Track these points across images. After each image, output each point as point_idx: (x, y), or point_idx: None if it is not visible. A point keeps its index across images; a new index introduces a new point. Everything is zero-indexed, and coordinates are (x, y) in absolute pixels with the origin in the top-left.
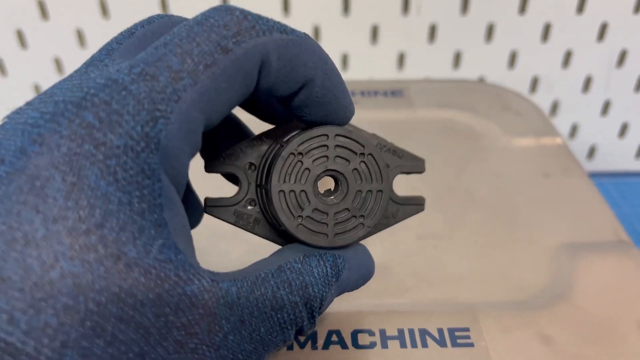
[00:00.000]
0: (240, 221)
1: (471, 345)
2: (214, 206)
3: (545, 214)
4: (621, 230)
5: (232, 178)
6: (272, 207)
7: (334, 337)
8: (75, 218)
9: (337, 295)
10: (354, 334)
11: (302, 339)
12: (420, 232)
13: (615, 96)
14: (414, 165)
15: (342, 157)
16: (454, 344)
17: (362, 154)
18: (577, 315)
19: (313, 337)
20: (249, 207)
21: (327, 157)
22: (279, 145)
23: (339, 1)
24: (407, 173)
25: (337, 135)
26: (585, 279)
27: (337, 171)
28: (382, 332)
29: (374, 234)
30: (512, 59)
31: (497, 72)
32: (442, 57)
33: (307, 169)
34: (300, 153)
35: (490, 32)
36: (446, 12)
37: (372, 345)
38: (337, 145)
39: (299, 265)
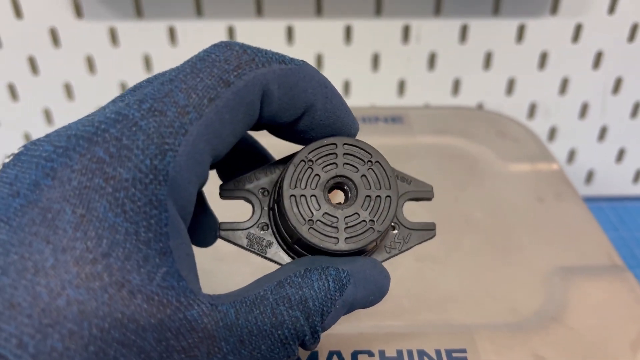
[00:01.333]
0: (253, 245)
1: None
2: (228, 230)
3: (539, 237)
4: (614, 254)
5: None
6: (283, 213)
7: (335, 358)
8: (83, 248)
9: (346, 312)
10: (354, 355)
11: (306, 353)
12: (418, 255)
13: (611, 122)
14: (423, 192)
15: (351, 165)
16: None
17: (370, 161)
18: (570, 336)
19: (314, 358)
20: (261, 231)
21: (336, 164)
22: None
23: (341, 31)
24: (417, 200)
25: (345, 144)
26: (578, 301)
27: (346, 177)
28: (382, 353)
29: (388, 259)
30: (510, 86)
31: (496, 99)
32: (441, 85)
33: (317, 175)
34: (310, 160)
35: (488, 60)
36: (445, 41)
37: None
38: (345, 153)
39: (299, 279)
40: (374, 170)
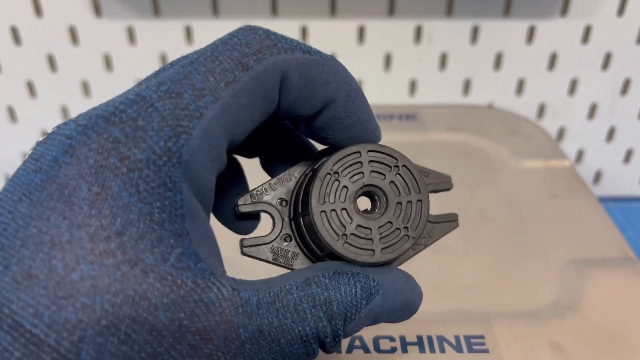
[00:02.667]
0: (279, 258)
1: (486, 351)
2: (251, 246)
3: (553, 231)
4: (627, 248)
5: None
6: (314, 230)
7: (357, 342)
8: (97, 225)
9: (371, 323)
10: (376, 340)
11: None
12: (436, 247)
13: (619, 123)
14: (442, 182)
15: (378, 172)
16: (470, 350)
17: (397, 166)
18: (585, 325)
19: None
20: (285, 243)
21: (362, 173)
22: (310, 172)
23: (355, 31)
24: (436, 191)
25: (369, 151)
26: (592, 292)
27: (375, 186)
28: (402, 338)
29: (414, 255)
30: (520, 87)
31: (505, 99)
32: (452, 84)
33: (345, 186)
34: (336, 172)
35: (498, 60)
36: (456, 41)
37: (393, 350)
38: (370, 161)
39: (327, 281)
40: (401, 175)
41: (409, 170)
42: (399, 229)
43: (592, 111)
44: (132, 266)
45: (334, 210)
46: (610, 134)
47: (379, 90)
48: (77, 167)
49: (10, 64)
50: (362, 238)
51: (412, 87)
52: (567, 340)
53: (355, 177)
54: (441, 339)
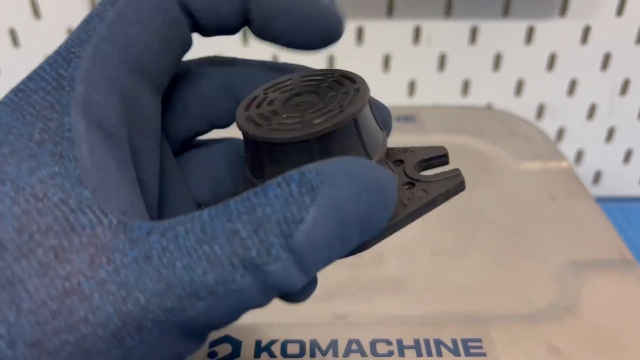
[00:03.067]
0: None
1: (484, 355)
2: None
3: (551, 233)
4: (625, 250)
5: None
6: (245, 140)
7: (354, 346)
8: None
9: (346, 230)
10: (373, 343)
11: (326, 341)
12: (434, 249)
13: (619, 123)
14: (434, 149)
15: (311, 82)
16: (467, 354)
17: (332, 75)
18: (583, 327)
19: (334, 346)
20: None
21: (293, 87)
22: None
23: (353, 32)
24: (428, 160)
25: (302, 76)
26: (590, 294)
27: (308, 92)
28: (399, 342)
29: (409, 214)
30: (519, 87)
31: (504, 99)
32: (451, 85)
33: (274, 99)
34: (265, 92)
35: (497, 61)
36: (455, 42)
37: (390, 354)
38: (304, 81)
39: (250, 195)
40: (337, 81)
41: (345, 76)
42: (332, 109)
43: (592, 111)
44: None
45: (262, 114)
46: (610, 135)
47: (378, 92)
48: None
49: (9, 65)
50: (291, 122)
51: (411, 88)
52: (564, 343)
53: (286, 89)
54: (438, 343)
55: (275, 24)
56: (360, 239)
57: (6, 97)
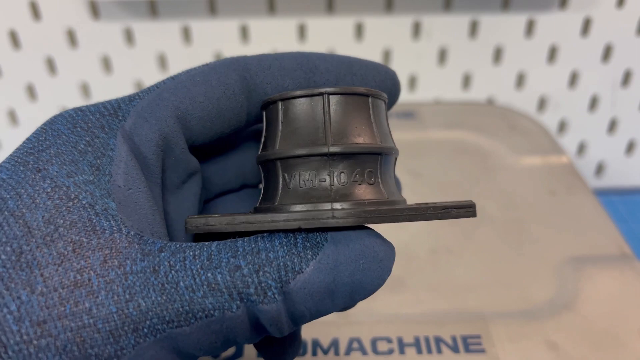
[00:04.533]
0: None
1: (482, 351)
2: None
3: (551, 229)
4: (624, 244)
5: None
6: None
7: (355, 344)
8: (28, 147)
9: (336, 289)
10: (374, 341)
11: (328, 339)
12: (434, 247)
13: (621, 115)
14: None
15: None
16: (467, 350)
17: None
18: (581, 323)
19: (336, 344)
20: None
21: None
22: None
23: (352, 27)
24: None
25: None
26: (589, 289)
27: None
28: (400, 340)
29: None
30: (520, 81)
31: (506, 93)
32: (451, 80)
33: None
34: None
35: (498, 55)
36: (455, 36)
37: (390, 351)
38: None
39: (258, 238)
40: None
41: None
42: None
43: (593, 103)
44: (35, 172)
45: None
46: (612, 126)
47: None
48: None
49: (10, 67)
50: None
51: (412, 83)
52: (563, 339)
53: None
54: (438, 340)
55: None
56: (349, 301)
57: (66, 111)
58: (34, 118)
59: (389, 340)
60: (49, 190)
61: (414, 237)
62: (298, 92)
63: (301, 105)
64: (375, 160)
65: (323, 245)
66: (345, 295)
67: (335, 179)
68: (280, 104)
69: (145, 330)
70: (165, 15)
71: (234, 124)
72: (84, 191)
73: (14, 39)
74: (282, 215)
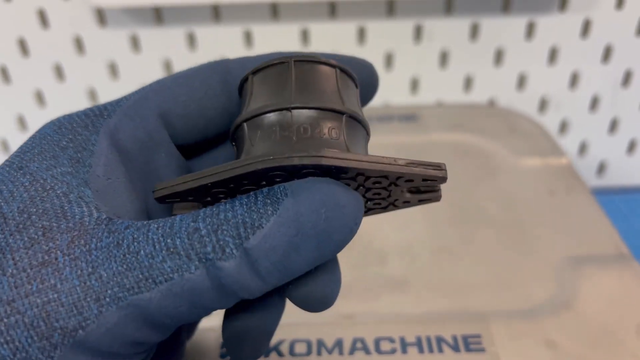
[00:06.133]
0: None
1: (483, 350)
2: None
3: (550, 229)
4: (622, 245)
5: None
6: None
7: (359, 344)
8: (17, 150)
9: (301, 243)
10: (377, 341)
11: (332, 339)
12: (435, 247)
13: (622, 115)
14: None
15: None
16: (467, 349)
17: None
18: (580, 322)
19: (340, 344)
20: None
21: None
22: None
23: (355, 31)
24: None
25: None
26: (587, 289)
27: None
28: (402, 339)
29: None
30: (521, 82)
31: (507, 94)
32: (453, 82)
33: None
34: None
35: (499, 56)
36: (456, 38)
37: (393, 351)
38: None
39: (220, 202)
40: None
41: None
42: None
43: (594, 103)
44: (17, 170)
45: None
46: (613, 126)
47: (381, 90)
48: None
49: (19, 74)
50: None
51: (414, 85)
52: (562, 338)
53: None
54: (439, 339)
55: None
56: (318, 254)
57: (56, 118)
58: (42, 123)
59: (392, 340)
60: (27, 184)
61: (416, 239)
62: (265, 63)
63: (269, 75)
64: (339, 119)
65: (283, 200)
66: (312, 247)
67: (296, 132)
68: (250, 78)
69: (107, 299)
70: (170, 22)
71: (217, 123)
72: (60, 182)
73: (23, 47)
74: (240, 161)
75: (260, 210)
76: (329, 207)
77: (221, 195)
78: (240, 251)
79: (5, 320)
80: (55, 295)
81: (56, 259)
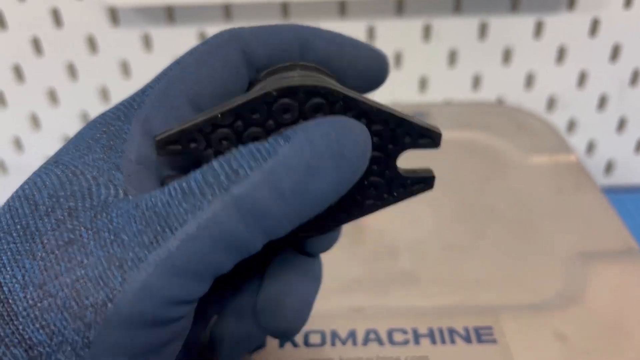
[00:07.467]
0: None
1: (494, 342)
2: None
3: (559, 225)
4: (630, 240)
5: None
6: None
7: (372, 335)
8: (57, 151)
9: (318, 160)
10: (390, 332)
11: (345, 330)
12: (445, 243)
13: (629, 114)
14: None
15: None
16: (479, 341)
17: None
18: (588, 315)
19: (353, 335)
20: None
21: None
22: None
23: (364, 30)
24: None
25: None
26: (596, 283)
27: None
28: (415, 331)
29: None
30: (529, 81)
31: (515, 93)
32: (462, 80)
33: None
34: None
35: (507, 55)
36: (465, 37)
37: (406, 342)
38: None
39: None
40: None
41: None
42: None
43: (602, 103)
44: (53, 165)
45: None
46: (621, 125)
47: (390, 89)
48: None
49: (32, 73)
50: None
51: (422, 84)
52: (571, 331)
53: None
54: (451, 331)
55: (328, 68)
56: (336, 176)
57: (97, 119)
58: (55, 121)
59: (404, 332)
60: (59, 173)
61: (426, 235)
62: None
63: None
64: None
65: (295, 133)
66: (330, 168)
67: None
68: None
69: (129, 263)
70: (182, 21)
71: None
72: (91, 167)
73: (37, 46)
74: (248, 93)
75: (273, 142)
76: (338, 131)
77: (225, 142)
78: (257, 171)
79: (39, 304)
80: (83, 272)
81: (81, 235)
